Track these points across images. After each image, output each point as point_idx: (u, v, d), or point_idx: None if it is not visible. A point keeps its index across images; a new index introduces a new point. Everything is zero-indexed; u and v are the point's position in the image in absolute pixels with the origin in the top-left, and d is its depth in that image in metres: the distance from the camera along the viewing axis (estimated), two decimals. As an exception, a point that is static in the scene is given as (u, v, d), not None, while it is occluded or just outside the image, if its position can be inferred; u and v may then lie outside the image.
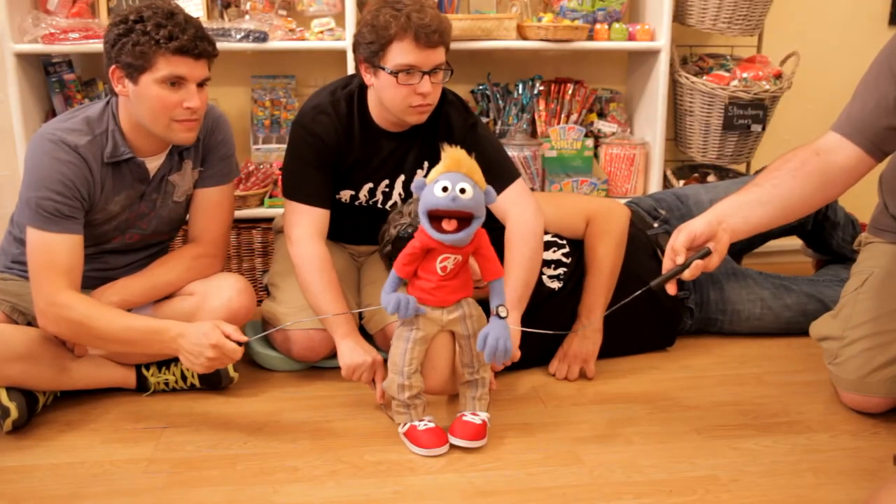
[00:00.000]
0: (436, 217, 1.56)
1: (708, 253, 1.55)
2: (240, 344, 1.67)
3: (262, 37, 2.46)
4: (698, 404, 1.88)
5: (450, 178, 1.54)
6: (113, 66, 1.73)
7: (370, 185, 2.08)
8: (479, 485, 1.55)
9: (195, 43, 1.70)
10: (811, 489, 1.53)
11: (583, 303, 2.06)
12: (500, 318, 1.62)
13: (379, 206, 2.11)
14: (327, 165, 2.00)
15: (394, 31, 1.81)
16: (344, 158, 2.02)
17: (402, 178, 2.08)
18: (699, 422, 1.79)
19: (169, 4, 1.73)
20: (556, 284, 2.08)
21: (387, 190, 2.09)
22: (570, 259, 2.11)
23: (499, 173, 1.99)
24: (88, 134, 1.77)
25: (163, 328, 1.71)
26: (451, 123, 2.03)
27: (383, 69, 1.86)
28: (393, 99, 1.89)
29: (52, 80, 2.59)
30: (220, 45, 2.42)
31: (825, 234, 2.42)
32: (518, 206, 1.97)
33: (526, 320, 1.90)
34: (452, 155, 1.56)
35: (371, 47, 1.86)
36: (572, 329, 2.03)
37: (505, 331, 1.61)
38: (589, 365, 2.01)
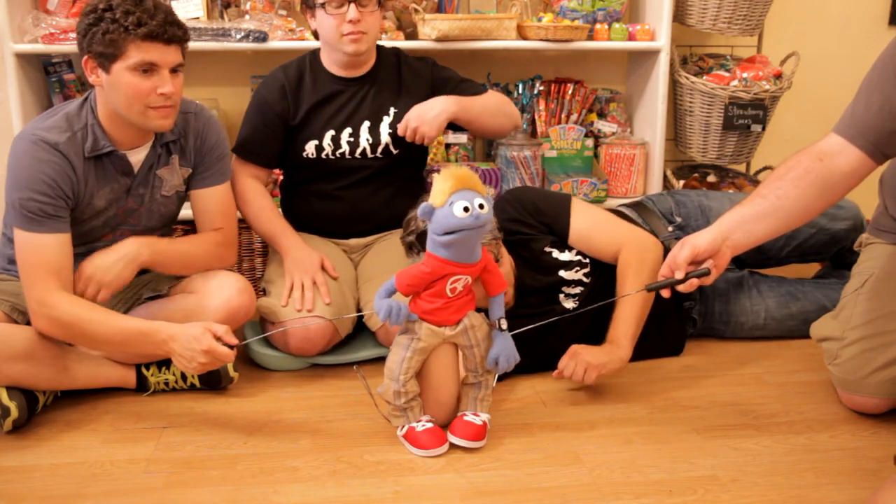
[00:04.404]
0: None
1: (707, 273, 1.58)
2: (232, 346, 1.66)
3: (262, 37, 2.46)
4: (698, 404, 1.88)
5: (465, 197, 1.52)
6: (86, 57, 1.73)
7: (332, 132, 2.16)
8: (479, 485, 1.55)
9: (164, 28, 1.70)
10: (811, 489, 1.53)
11: (613, 330, 1.93)
12: (502, 330, 1.65)
13: (347, 156, 2.17)
14: (269, 123, 2.16)
15: None
16: (294, 110, 2.16)
17: (366, 123, 2.18)
18: (699, 422, 1.79)
19: None
20: (571, 304, 2.04)
21: (352, 139, 2.17)
22: (589, 279, 2.06)
23: (472, 87, 2.26)
24: (68, 130, 1.77)
25: (153, 330, 1.71)
26: (415, 68, 2.24)
27: (316, 5, 2.06)
28: (328, 31, 2.08)
29: (52, 80, 2.59)
30: (220, 45, 2.44)
31: (844, 261, 2.32)
32: (502, 96, 2.31)
33: (537, 336, 1.91)
34: (455, 174, 1.54)
35: None
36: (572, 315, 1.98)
37: (511, 344, 1.66)
38: (595, 375, 1.90)
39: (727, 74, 2.70)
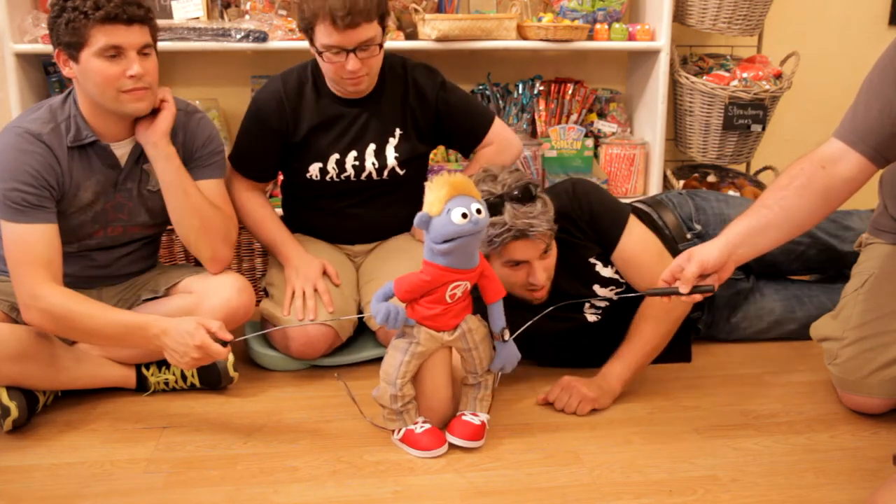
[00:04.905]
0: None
1: (712, 290, 1.59)
2: (225, 343, 1.66)
3: (262, 37, 2.46)
4: (698, 404, 1.88)
5: (462, 203, 1.51)
6: (57, 50, 1.74)
7: (336, 155, 2.09)
8: (479, 485, 1.55)
9: (122, 9, 1.70)
10: (811, 489, 1.53)
11: (609, 367, 1.88)
12: (505, 341, 1.66)
13: (353, 179, 2.12)
14: (266, 140, 2.09)
15: (313, 13, 1.90)
16: (293, 128, 2.07)
17: (371, 146, 2.10)
18: (699, 422, 1.79)
19: None
20: (594, 318, 2.00)
21: (357, 163, 2.10)
22: (617, 297, 1.98)
23: (479, 118, 2.18)
24: (51, 122, 1.78)
25: (145, 324, 1.71)
26: (421, 86, 2.11)
27: (315, 47, 1.97)
28: (327, 73, 2.01)
29: (52, 79, 2.59)
30: (220, 45, 2.44)
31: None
32: (503, 137, 2.21)
33: (553, 340, 1.90)
34: (449, 181, 1.53)
35: (303, 24, 1.96)
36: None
37: (514, 351, 1.68)
38: (588, 408, 1.83)
39: (727, 74, 2.70)
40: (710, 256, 1.58)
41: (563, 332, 1.97)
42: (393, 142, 2.11)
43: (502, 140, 2.20)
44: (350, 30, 1.88)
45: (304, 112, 2.07)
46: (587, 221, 1.93)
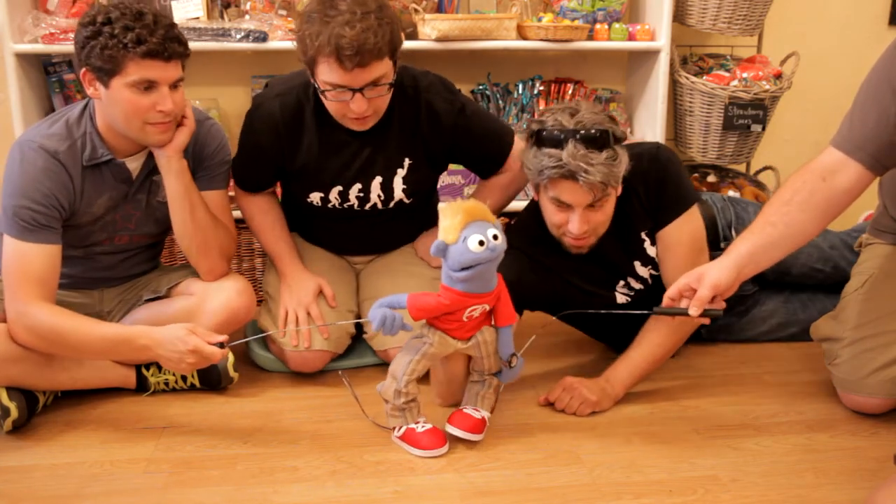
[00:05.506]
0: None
1: (720, 314, 1.60)
2: (222, 345, 1.65)
3: (262, 37, 2.46)
4: (698, 404, 1.88)
5: (478, 230, 1.51)
6: (84, 69, 1.71)
7: (339, 188, 1.98)
8: (479, 485, 1.55)
9: (164, 45, 1.66)
10: (811, 489, 1.53)
11: (613, 370, 1.87)
12: (512, 367, 1.67)
13: (356, 208, 2.03)
14: (261, 165, 1.99)
15: (316, 49, 1.70)
16: (290, 157, 1.95)
17: (378, 179, 1.97)
18: (699, 422, 1.79)
19: (138, 3, 1.70)
20: (624, 299, 1.96)
21: (361, 195, 1.99)
22: (652, 282, 1.94)
23: (499, 143, 2.02)
24: (68, 139, 1.76)
25: (132, 337, 1.69)
26: (436, 110, 1.92)
27: (316, 83, 1.79)
28: (330, 108, 1.83)
29: (52, 80, 2.59)
30: (220, 45, 2.44)
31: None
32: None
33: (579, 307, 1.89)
34: (463, 207, 1.52)
35: (304, 57, 1.76)
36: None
37: (518, 370, 1.70)
38: (588, 411, 1.83)
39: (727, 74, 2.70)
40: (723, 279, 1.59)
41: (588, 306, 1.92)
42: (401, 172, 1.97)
43: (510, 177, 2.05)
44: (359, 69, 1.68)
45: (303, 141, 1.92)
46: (654, 184, 1.83)
